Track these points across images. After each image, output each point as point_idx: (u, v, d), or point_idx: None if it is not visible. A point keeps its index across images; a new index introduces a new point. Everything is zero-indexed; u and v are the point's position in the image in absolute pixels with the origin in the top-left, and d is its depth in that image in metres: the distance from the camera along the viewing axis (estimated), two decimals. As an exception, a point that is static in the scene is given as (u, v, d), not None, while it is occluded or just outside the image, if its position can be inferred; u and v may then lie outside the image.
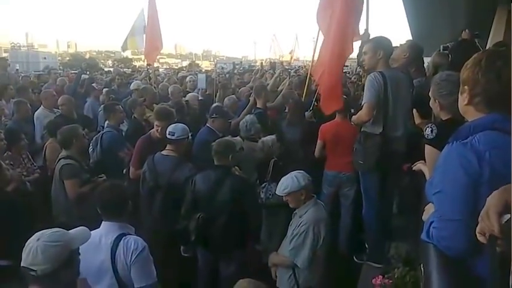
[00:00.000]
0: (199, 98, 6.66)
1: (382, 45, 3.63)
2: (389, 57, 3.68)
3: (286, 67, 11.89)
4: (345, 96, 4.55)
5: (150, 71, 9.14)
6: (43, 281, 1.80)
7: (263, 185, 3.93)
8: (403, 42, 4.67)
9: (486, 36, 6.11)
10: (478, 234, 1.12)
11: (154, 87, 7.68)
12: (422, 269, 1.74)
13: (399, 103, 3.57)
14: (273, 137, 4.25)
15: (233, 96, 6.46)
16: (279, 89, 6.68)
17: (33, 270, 1.76)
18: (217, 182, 3.30)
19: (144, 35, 8.52)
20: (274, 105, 5.73)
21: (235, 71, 12.88)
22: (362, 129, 3.75)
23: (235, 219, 3.25)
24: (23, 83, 9.00)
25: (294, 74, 7.93)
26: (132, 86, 7.37)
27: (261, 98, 5.41)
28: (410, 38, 10.45)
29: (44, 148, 4.56)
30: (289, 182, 3.00)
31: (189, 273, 3.67)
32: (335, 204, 4.61)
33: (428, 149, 2.17)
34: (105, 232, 2.46)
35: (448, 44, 4.00)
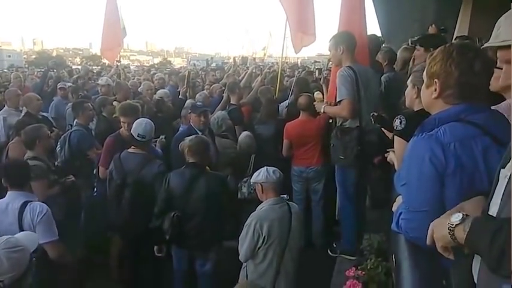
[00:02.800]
0: (180, 96, 6.54)
1: (342, 40, 3.66)
2: (353, 51, 3.69)
3: (259, 64, 11.93)
4: (309, 94, 4.55)
5: (120, 69, 8.90)
6: None
7: (245, 180, 3.91)
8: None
9: (452, 31, 6.29)
10: (442, 251, 1.14)
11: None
12: (393, 259, 1.78)
13: (370, 96, 3.63)
14: (248, 133, 4.25)
15: (204, 92, 6.40)
16: (252, 85, 6.67)
17: (0, 281, 1.69)
18: (192, 179, 3.26)
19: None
20: (248, 102, 5.71)
21: (209, 68, 12.77)
22: (338, 124, 3.76)
23: (211, 216, 3.23)
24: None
25: (268, 70, 7.95)
26: (100, 81, 7.12)
27: (235, 94, 5.39)
28: (379, 33, 10.66)
29: (7, 148, 4.37)
30: (258, 173, 3.09)
31: (164, 273, 3.62)
32: (308, 199, 4.65)
33: (397, 141, 2.20)
34: (11, 199, 2.83)
35: (416, 38, 4.07)
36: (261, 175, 3.04)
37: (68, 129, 5.02)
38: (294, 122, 4.52)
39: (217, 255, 3.43)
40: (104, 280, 3.90)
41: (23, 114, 5.22)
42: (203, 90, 6.94)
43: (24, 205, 2.79)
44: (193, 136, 3.58)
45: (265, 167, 3.10)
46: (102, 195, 4.04)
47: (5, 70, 17.59)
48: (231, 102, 5.38)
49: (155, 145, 4.25)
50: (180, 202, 3.26)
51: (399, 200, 1.69)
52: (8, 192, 2.88)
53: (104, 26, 7.88)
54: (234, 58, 12.25)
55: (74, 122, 4.89)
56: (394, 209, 1.72)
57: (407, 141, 1.63)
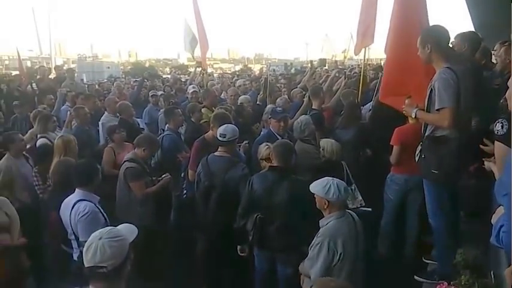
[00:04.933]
0: (258, 102, 6.74)
1: (429, 37, 3.24)
2: (445, 48, 3.28)
3: (340, 67, 11.67)
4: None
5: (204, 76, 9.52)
6: (110, 276, 1.88)
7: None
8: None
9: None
10: None
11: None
12: (492, 275, 1.64)
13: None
14: (332, 140, 4.19)
15: (285, 96, 6.48)
16: (334, 88, 6.58)
17: (103, 267, 1.85)
18: (275, 183, 3.31)
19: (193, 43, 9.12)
20: (330, 106, 5.64)
21: (289, 74, 12.88)
22: (429, 132, 3.32)
23: (293, 220, 3.24)
24: (89, 91, 9.70)
25: (349, 73, 7.78)
26: (189, 90, 7.65)
27: (318, 98, 5.35)
28: (472, 28, 9.77)
29: (102, 151, 4.90)
30: (326, 189, 2.82)
31: (245, 273, 3.73)
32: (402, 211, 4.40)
33: (498, 146, 2.02)
34: (74, 196, 3.20)
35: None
36: (332, 193, 2.79)
37: (160, 134, 5.48)
38: (405, 126, 4.20)
39: (300, 259, 3.43)
40: (187, 278, 4.14)
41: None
42: (283, 95, 7.03)
43: (76, 203, 3.14)
44: (279, 140, 3.65)
45: (334, 182, 2.84)
46: (190, 196, 4.30)
47: (105, 80, 19.62)
48: (313, 106, 5.36)
49: (239, 149, 4.41)
50: (262, 204, 3.33)
51: (500, 211, 1.56)
52: (76, 189, 3.25)
53: (199, 36, 8.67)
54: (311, 61, 12.12)
55: (166, 127, 5.33)
56: (493, 221, 1.58)
57: (510, 146, 1.50)
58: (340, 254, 2.77)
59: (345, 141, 4.58)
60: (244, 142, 4.57)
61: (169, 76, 17.43)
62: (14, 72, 17.49)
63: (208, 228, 3.84)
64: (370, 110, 5.14)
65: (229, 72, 36.80)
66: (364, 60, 6.53)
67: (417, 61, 3.47)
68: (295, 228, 3.26)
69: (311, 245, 2.89)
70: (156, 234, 4.03)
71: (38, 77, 10.51)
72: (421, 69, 3.66)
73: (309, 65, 11.64)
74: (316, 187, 2.87)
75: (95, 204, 3.20)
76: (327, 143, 4.16)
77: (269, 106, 5.74)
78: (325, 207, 2.87)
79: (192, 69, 13.92)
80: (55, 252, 3.59)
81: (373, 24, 5.63)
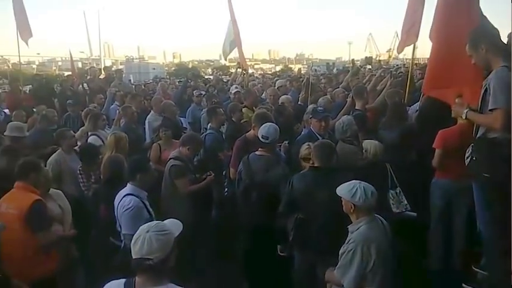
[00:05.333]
0: (299, 102, 6.69)
1: (482, 37, 3.04)
2: (500, 46, 3.05)
3: (384, 66, 11.29)
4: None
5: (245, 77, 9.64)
6: (156, 268, 1.94)
7: (395, 192, 3.75)
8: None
9: None
10: None
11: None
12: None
13: None
14: (375, 141, 4.06)
15: (327, 96, 6.39)
16: (378, 88, 6.40)
17: (150, 259, 1.91)
18: (316, 183, 3.27)
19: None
20: (375, 106, 5.48)
21: (332, 74, 12.65)
22: (481, 134, 3.12)
23: (333, 222, 3.16)
24: (135, 91, 10.07)
25: (395, 72, 7.51)
26: (232, 90, 7.76)
27: (361, 99, 5.23)
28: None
29: (150, 149, 5.11)
30: (352, 192, 2.74)
31: (285, 272, 3.71)
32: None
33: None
34: (124, 190, 3.35)
35: None
36: (358, 197, 2.69)
37: (203, 132, 5.58)
38: (450, 129, 3.99)
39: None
40: (228, 275, 4.19)
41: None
42: (325, 95, 6.94)
43: (124, 196, 3.29)
44: (320, 140, 3.61)
45: (361, 185, 2.74)
46: (231, 194, 4.35)
47: (150, 80, 20.32)
48: (356, 107, 5.24)
49: (280, 149, 4.40)
50: (302, 205, 3.30)
51: None
52: (127, 183, 3.39)
53: (236, 39, 9.06)
54: (353, 60, 11.76)
55: (208, 126, 5.42)
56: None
57: None
58: (374, 260, 2.68)
59: (389, 143, 4.43)
60: (284, 142, 4.55)
61: (211, 77, 17.73)
62: (66, 73, 18.56)
63: (248, 226, 3.87)
64: (416, 111, 4.93)
65: (270, 72, 36.85)
66: (412, 59, 6.28)
67: (465, 53, 3.24)
68: (335, 230, 3.16)
69: (342, 252, 2.80)
70: (198, 231, 4.11)
71: (89, 77, 11.09)
72: (469, 61, 3.46)
73: (351, 64, 11.34)
74: (343, 190, 2.79)
75: (141, 199, 3.30)
76: (370, 144, 4.03)
77: (310, 106, 5.68)
78: (351, 211, 2.79)
79: (233, 70, 14.09)
80: (103, 244, 3.75)
81: (418, 22, 5.40)
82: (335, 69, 19.97)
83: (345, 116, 4.77)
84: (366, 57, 12.49)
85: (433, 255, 4.28)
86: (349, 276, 2.72)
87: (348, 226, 2.86)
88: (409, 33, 5.57)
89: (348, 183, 2.82)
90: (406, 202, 3.79)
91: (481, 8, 3.78)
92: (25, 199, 3.20)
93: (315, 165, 3.38)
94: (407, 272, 3.75)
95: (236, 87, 7.67)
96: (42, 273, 3.20)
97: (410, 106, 5.42)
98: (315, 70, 22.84)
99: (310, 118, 4.62)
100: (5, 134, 5.01)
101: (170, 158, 4.23)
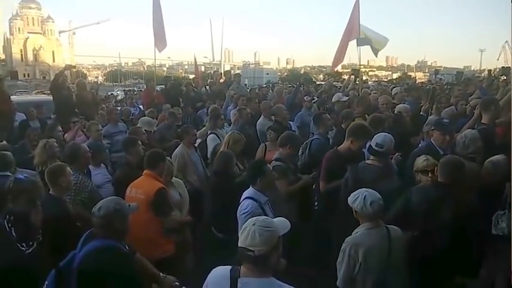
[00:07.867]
0: (421, 113, 6.28)
1: None
2: None
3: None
4: None
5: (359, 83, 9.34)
6: (257, 261, 2.02)
7: (502, 212, 3.30)
8: None
9: None
10: None
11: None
12: None
13: None
14: (503, 157, 3.60)
15: (452, 108, 5.85)
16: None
17: (251, 250, 2.01)
18: (437, 200, 3.07)
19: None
20: (505, 121, 4.82)
21: (460, 83, 11.36)
22: None
23: (455, 242, 2.95)
24: (250, 94, 10.58)
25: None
26: (334, 98, 7.65)
27: (488, 112, 4.67)
28: None
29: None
30: (354, 197, 2.87)
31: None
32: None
33: None
34: (246, 192, 3.40)
35: None
36: (357, 203, 2.83)
37: (310, 137, 5.61)
38: None
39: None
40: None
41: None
42: (449, 106, 6.34)
43: (244, 199, 3.33)
44: (449, 156, 3.38)
45: (363, 194, 2.83)
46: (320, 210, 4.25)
47: (264, 85, 21.12)
48: (482, 121, 4.70)
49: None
50: (420, 220, 3.11)
51: None
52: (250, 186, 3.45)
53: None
54: (489, 71, 10.28)
55: (316, 131, 5.43)
56: None
57: None
58: (361, 263, 2.76)
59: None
60: (397, 154, 4.30)
61: (322, 83, 17.65)
62: (191, 76, 20.42)
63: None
64: None
65: (386, 80, 35.03)
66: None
67: None
68: (459, 250, 2.94)
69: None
70: (299, 232, 4.13)
71: (210, 80, 11.99)
72: None
73: (483, 74, 10.04)
74: (351, 195, 2.93)
75: (260, 204, 3.30)
76: (497, 161, 3.58)
77: (432, 117, 5.27)
78: (355, 215, 2.89)
79: (345, 77, 13.80)
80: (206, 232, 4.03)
81: None
82: (463, 78, 18.04)
83: (469, 130, 4.32)
84: (503, 67, 10.65)
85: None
86: (340, 274, 2.88)
87: None
88: None
89: (359, 189, 2.91)
90: (504, 226, 3.29)
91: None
92: (151, 186, 3.60)
93: (439, 180, 3.17)
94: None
95: (339, 95, 7.50)
96: (161, 254, 3.51)
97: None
98: (440, 79, 21.02)
99: (432, 130, 4.29)
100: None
101: (272, 160, 4.34)
